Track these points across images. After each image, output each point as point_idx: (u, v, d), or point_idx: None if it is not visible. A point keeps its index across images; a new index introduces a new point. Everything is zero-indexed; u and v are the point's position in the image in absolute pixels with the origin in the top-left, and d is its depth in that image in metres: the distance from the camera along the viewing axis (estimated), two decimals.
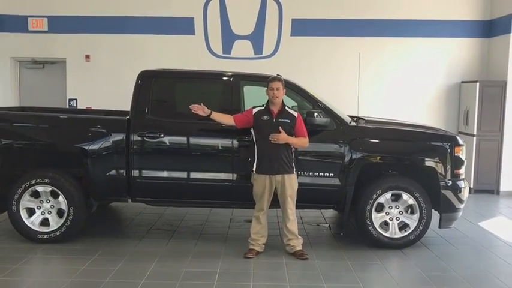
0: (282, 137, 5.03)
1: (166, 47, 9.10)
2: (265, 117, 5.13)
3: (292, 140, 5.10)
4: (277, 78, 5.17)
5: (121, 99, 8.41)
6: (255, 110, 5.19)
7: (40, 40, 9.14)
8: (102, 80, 9.14)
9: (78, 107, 9.01)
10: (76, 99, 9.18)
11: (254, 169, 5.17)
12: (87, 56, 9.15)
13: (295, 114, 5.19)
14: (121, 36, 9.10)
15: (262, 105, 5.23)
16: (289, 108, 5.24)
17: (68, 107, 9.09)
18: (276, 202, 5.24)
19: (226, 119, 5.21)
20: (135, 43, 9.10)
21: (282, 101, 5.18)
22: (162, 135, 5.42)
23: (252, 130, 5.21)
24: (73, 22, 9.09)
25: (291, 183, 5.14)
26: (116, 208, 7.14)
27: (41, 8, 9.12)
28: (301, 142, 5.18)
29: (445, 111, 9.22)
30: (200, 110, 5.12)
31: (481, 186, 8.66)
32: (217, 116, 5.18)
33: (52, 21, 9.11)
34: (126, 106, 6.94)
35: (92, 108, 8.31)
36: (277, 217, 6.26)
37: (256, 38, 9.19)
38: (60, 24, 9.10)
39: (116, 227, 6.42)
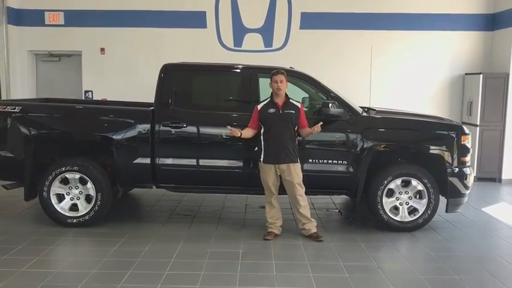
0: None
1: (179, 40, 9.37)
2: (271, 110, 5.41)
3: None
4: (280, 72, 5.44)
5: (135, 91, 8.80)
6: (259, 106, 5.48)
7: (56, 34, 9.40)
8: (116, 72, 9.42)
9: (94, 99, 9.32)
10: (92, 91, 9.45)
11: (261, 159, 5.48)
12: (103, 49, 9.42)
13: (299, 105, 5.49)
14: (135, 29, 9.37)
15: (266, 100, 5.52)
16: (292, 99, 5.51)
17: (84, 98, 9.38)
18: (281, 188, 5.55)
19: (249, 132, 5.49)
20: (149, 36, 9.36)
21: (286, 93, 5.48)
22: (185, 125, 5.72)
23: (260, 123, 5.49)
24: (88, 16, 9.36)
25: (297, 171, 5.45)
26: (134, 195, 7.47)
27: (57, 2, 9.38)
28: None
29: (449, 102, 9.53)
30: (233, 132, 5.38)
31: (483, 174, 8.99)
32: (244, 133, 5.46)
33: (68, 15, 9.38)
34: (140, 97, 7.29)
35: (107, 99, 8.63)
36: (289, 203, 6.56)
37: (266, 31, 9.46)
38: (76, 18, 9.36)
39: (138, 213, 6.76)
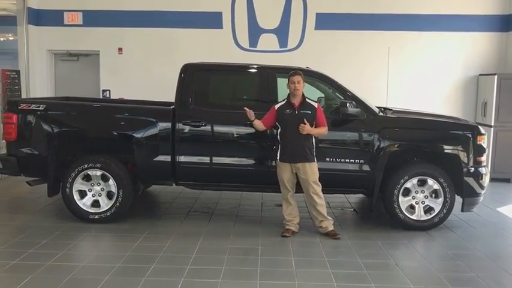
0: (307, 129, 5.42)
1: (195, 40, 9.52)
2: (287, 110, 5.50)
3: (314, 131, 5.50)
4: (297, 72, 5.53)
5: (152, 90, 8.95)
6: (277, 106, 5.57)
7: (75, 33, 9.62)
8: (134, 72, 9.60)
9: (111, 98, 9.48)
10: (109, 90, 9.63)
11: (278, 157, 5.58)
12: (120, 49, 9.61)
13: (315, 105, 5.56)
14: (152, 30, 9.54)
15: (283, 100, 5.61)
16: (309, 99, 5.59)
17: (101, 97, 9.54)
18: (298, 186, 5.65)
19: (260, 125, 5.63)
20: (165, 36, 9.54)
21: (302, 93, 5.55)
22: (205, 124, 5.83)
23: (277, 123, 5.58)
24: (107, 16, 9.55)
25: (313, 169, 5.53)
26: (152, 193, 7.60)
27: (76, 2, 9.59)
28: (322, 131, 5.57)
29: (463, 103, 9.58)
30: (250, 114, 5.56)
31: (497, 175, 8.97)
32: (256, 123, 5.62)
33: (87, 15, 9.58)
34: (157, 97, 7.41)
35: (124, 98, 8.77)
36: (305, 202, 6.65)
37: (282, 31, 9.59)
38: (94, 18, 9.56)
39: (157, 210, 6.88)
